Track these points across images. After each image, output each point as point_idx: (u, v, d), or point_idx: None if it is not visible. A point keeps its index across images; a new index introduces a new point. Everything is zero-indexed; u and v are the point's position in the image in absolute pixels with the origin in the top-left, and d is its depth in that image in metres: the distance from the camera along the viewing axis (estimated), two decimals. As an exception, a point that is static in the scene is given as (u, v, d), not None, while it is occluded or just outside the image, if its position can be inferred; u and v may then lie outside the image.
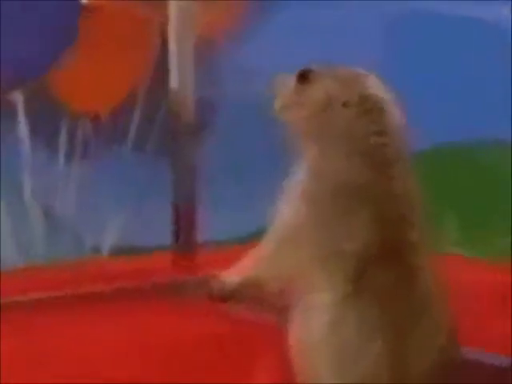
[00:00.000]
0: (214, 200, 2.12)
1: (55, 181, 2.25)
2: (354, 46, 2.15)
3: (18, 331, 1.46)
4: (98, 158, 2.28)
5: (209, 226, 1.92)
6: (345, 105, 1.00)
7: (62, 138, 2.25)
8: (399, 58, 2.20)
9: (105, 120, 2.27)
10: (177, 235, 1.81)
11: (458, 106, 2.20)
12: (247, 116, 2.08)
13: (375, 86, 1.02)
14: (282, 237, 1.01)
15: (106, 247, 2.27)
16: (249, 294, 1.04)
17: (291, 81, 1.05)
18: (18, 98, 2.21)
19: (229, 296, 1.04)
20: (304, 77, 1.04)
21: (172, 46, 1.79)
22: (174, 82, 1.79)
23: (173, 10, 1.81)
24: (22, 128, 2.22)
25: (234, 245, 1.94)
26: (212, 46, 2.27)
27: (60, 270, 1.97)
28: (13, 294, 1.65)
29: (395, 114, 1.02)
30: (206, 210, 1.90)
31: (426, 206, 1.02)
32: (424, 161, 2.18)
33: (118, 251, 2.24)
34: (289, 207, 1.01)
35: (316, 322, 0.98)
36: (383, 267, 0.97)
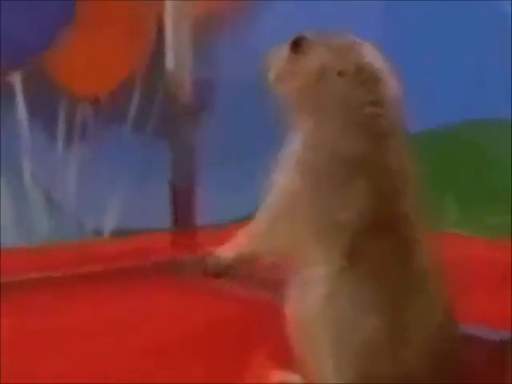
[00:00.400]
0: (215, 181, 2.12)
1: (55, 163, 2.25)
2: (354, 24, 2.14)
3: (18, 310, 1.47)
4: (97, 140, 2.28)
5: (209, 207, 1.92)
6: (340, 74, 0.99)
7: (61, 121, 2.25)
8: (398, 39, 2.20)
9: (104, 102, 2.27)
10: (175, 215, 1.82)
11: (457, 87, 2.20)
12: (247, 97, 2.09)
13: (371, 55, 1.00)
14: (277, 210, 1.00)
15: (107, 229, 2.28)
16: (243, 269, 1.04)
17: (285, 51, 1.03)
18: (16, 80, 2.21)
19: (223, 272, 1.04)
20: (297, 45, 1.02)
21: (168, 28, 1.79)
22: (170, 63, 1.79)
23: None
24: (21, 111, 2.22)
25: (234, 225, 1.94)
26: (211, 27, 2.27)
27: (61, 250, 1.98)
28: (13, 273, 1.66)
29: (392, 85, 1.00)
30: (206, 191, 1.91)
31: (422, 182, 1.01)
32: (423, 141, 2.20)
33: (119, 233, 2.25)
34: (283, 179, 1.00)
35: (312, 296, 0.97)
36: (378, 240, 0.96)
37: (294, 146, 1.00)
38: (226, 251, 1.04)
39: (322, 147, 0.98)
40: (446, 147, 2.30)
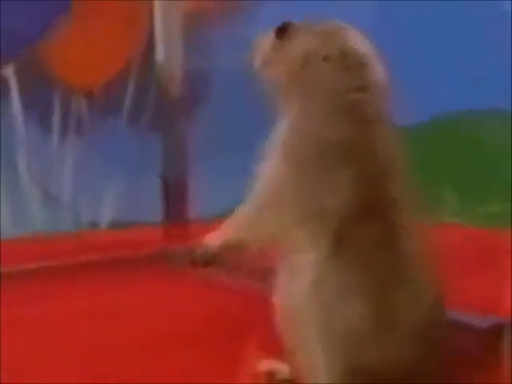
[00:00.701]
0: (207, 173, 2.12)
1: (50, 156, 2.25)
2: (351, 17, 2.14)
3: (15, 300, 1.48)
4: (92, 133, 2.28)
5: (202, 200, 1.92)
6: (325, 59, 0.99)
7: (56, 113, 2.25)
8: (398, 38, 2.19)
9: (98, 94, 2.27)
10: (166, 207, 1.82)
11: (456, 78, 2.19)
12: (242, 89, 2.09)
13: (357, 40, 1.00)
14: (263, 197, 1.00)
15: (103, 222, 2.28)
16: (231, 258, 1.04)
17: (270, 37, 1.04)
18: (10, 72, 2.20)
19: (211, 260, 1.04)
20: (283, 31, 1.02)
21: (157, 21, 1.78)
22: (160, 55, 1.78)
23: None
24: (16, 104, 2.22)
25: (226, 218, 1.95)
26: (207, 20, 2.26)
27: (56, 240, 1.99)
28: (11, 263, 1.67)
29: (377, 70, 1.00)
30: (198, 184, 1.91)
31: (413, 170, 1.00)
32: (423, 132, 2.19)
33: (115, 225, 2.25)
34: (269, 165, 1.00)
35: (299, 283, 0.97)
36: (365, 226, 0.96)
37: (280, 130, 1.00)
38: (213, 240, 1.04)
39: (307, 132, 0.98)
40: (445, 137, 2.29)
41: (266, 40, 1.04)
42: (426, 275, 0.98)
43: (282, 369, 1.10)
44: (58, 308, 1.47)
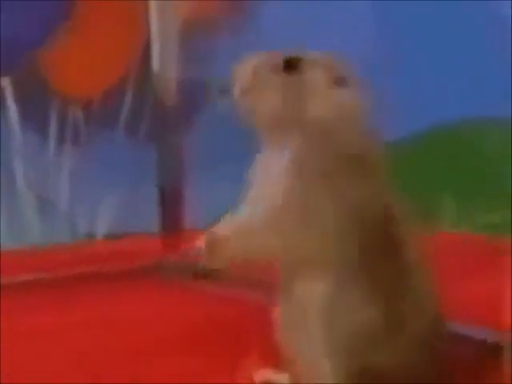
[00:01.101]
0: (204, 183, 2.12)
1: (47, 166, 2.25)
2: (347, 24, 2.14)
3: (11, 311, 1.48)
4: (89, 143, 2.28)
5: (198, 210, 1.92)
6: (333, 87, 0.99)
7: (53, 123, 2.25)
8: (398, 39, 2.19)
9: (96, 104, 2.27)
10: (163, 217, 1.82)
11: (455, 86, 2.19)
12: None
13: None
14: (269, 223, 0.99)
15: (100, 232, 2.28)
16: (232, 270, 1.04)
17: (260, 67, 1.01)
18: (7, 82, 2.21)
19: (213, 273, 1.02)
20: (290, 65, 1.00)
21: (154, 30, 1.79)
22: (156, 65, 1.79)
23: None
24: (13, 113, 2.22)
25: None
26: (206, 28, 2.27)
27: (53, 252, 1.99)
28: (7, 274, 1.67)
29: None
30: (195, 194, 1.91)
31: (408, 177, 1.01)
32: (421, 140, 2.19)
33: (112, 236, 2.25)
34: (274, 192, 0.99)
35: (308, 294, 0.97)
36: (369, 241, 0.96)
37: (280, 161, 0.99)
38: (218, 252, 1.01)
39: (312, 168, 0.97)
40: (444, 146, 2.29)
41: (249, 69, 1.01)
42: (427, 284, 0.99)
43: (280, 378, 1.10)
44: (54, 319, 1.46)
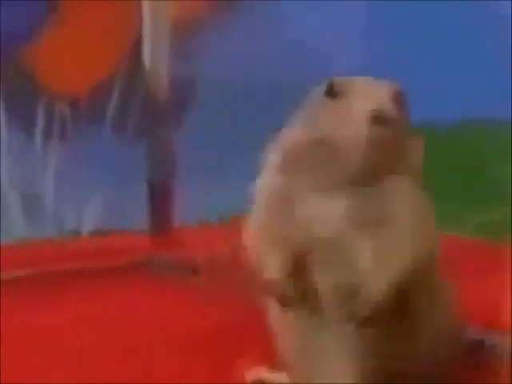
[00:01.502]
0: (194, 181, 2.11)
1: (33, 163, 2.24)
2: (342, 26, 2.14)
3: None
4: (76, 139, 2.27)
5: (188, 207, 1.92)
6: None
7: (40, 119, 2.24)
8: (397, 39, 2.18)
9: (83, 100, 2.26)
10: (152, 214, 1.82)
11: (453, 84, 2.19)
12: (230, 96, 2.09)
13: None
14: None
15: (86, 230, 2.27)
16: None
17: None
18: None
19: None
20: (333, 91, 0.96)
21: (145, 26, 1.79)
22: (147, 61, 1.78)
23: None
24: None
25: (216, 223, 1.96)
26: (196, 27, 2.26)
27: (39, 248, 1.98)
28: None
29: None
30: (185, 191, 1.91)
31: None
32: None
33: (99, 232, 2.24)
34: None
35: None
36: None
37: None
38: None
39: None
40: (441, 146, 2.29)
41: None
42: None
43: (277, 377, 1.09)
44: (40, 316, 1.45)
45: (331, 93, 0.95)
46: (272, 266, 0.96)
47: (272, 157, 0.98)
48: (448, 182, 2.12)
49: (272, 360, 1.05)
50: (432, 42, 2.17)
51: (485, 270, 1.50)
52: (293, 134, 0.96)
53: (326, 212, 0.93)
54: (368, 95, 0.93)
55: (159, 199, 1.83)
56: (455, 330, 1.02)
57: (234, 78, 2.13)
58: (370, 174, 0.92)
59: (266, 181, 0.98)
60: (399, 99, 0.95)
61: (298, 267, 0.95)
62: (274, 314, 1.01)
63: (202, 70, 2.27)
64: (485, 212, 2.07)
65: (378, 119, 0.91)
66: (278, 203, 0.96)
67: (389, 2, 2.18)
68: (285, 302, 0.96)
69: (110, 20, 2.24)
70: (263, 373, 1.11)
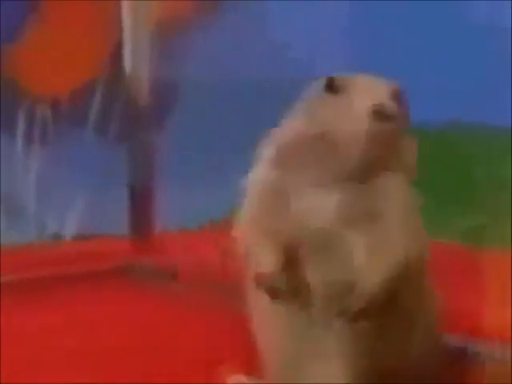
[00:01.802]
0: (175, 185, 2.10)
1: (15, 166, 2.23)
2: (336, 26, 2.13)
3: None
4: (57, 143, 2.25)
5: (169, 211, 1.91)
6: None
7: (21, 122, 2.23)
8: (396, 40, 2.17)
9: (65, 103, 2.25)
10: (132, 218, 1.81)
11: (441, 87, 2.19)
12: (212, 99, 2.07)
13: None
14: None
15: (68, 234, 2.25)
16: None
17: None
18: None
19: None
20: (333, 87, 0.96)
21: (126, 29, 1.78)
22: (128, 65, 1.78)
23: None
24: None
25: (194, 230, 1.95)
26: (178, 29, 2.25)
27: (20, 253, 1.97)
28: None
29: None
30: (166, 195, 1.90)
31: None
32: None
33: (80, 237, 2.23)
34: None
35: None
36: None
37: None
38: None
39: None
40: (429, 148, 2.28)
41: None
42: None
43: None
44: (19, 322, 1.45)
45: (332, 88, 0.95)
46: (264, 260, 0.95)
47: (266, 151, 0.98)
48: (435, 185, 2.12)
49: (252, 367, 1.04)
50: (417, 42, 2.17)
51: (467, 277, 1.50)
52: (291, 129, 0.97)
53: (319, 205, 0.93)
54: (369, 91, 0.94)
55: (140, 203, 1.82)
56: (439, 336, 1.02)
57: (218, 78, 2.11)
58: (367, 169, 0.93)
59: (259, 175, 0.98)
60: (398, 97, 0.95)
61: (290, 261, 0.95)
62: (262, 312, 1.00)
63: (186, 70, 2.26)
64: (469, 216, 2.07)
65: (379, 114, 0.92)
66: (271, 197, 0.96)
67: (373, 2, 2.18)
68: (275, 295, 0.96)
69: (92, 21, 2.22)
70: (243, 379, 1.10)
